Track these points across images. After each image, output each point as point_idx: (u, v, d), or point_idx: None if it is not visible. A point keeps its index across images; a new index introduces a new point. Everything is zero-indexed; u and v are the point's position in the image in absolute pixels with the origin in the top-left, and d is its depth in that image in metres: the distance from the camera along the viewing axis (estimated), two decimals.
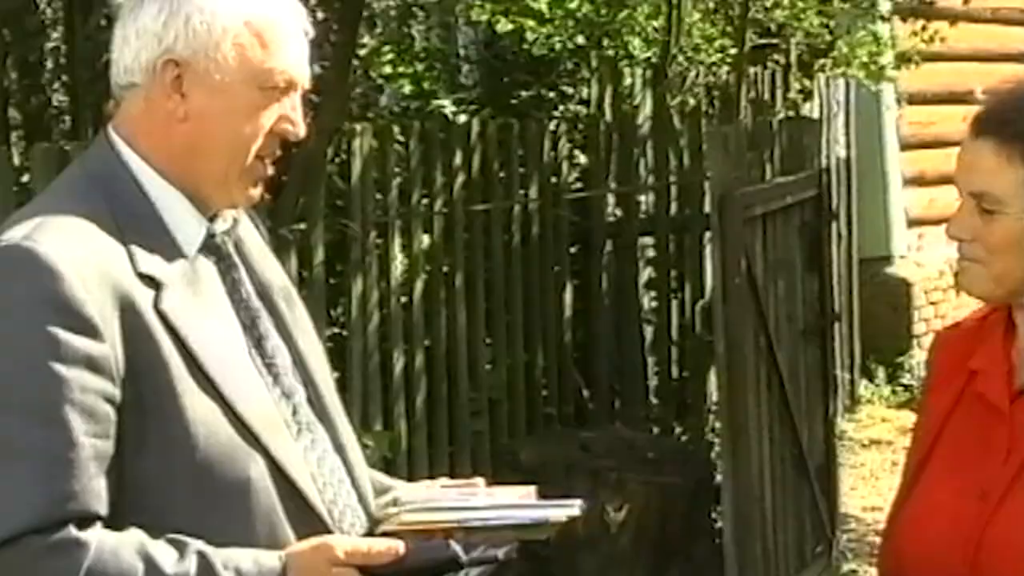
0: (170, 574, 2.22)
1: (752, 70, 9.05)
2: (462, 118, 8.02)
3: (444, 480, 2.67)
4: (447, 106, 8.39)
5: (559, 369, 7.56)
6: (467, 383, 6.95)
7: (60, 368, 2.21)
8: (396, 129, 7.18)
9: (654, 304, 8.09)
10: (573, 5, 8.46)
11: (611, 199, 8.02)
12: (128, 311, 2.27)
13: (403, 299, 6.77)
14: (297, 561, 2.30)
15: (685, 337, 8.15)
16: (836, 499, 7.26)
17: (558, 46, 8.49)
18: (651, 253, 8.10)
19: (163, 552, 2.24)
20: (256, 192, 2.46)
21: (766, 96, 9.21)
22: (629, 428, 7.53)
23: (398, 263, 6.72)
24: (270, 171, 2.45)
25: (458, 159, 7.03)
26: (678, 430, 7.98)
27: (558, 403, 7.56)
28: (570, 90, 8.49)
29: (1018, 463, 2.45)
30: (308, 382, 2.49)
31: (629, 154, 8.04)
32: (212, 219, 2.43)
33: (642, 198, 8.12)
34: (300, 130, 2.43)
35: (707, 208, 7.25)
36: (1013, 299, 2.50)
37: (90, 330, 2.23)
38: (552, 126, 7.80)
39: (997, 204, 2.44)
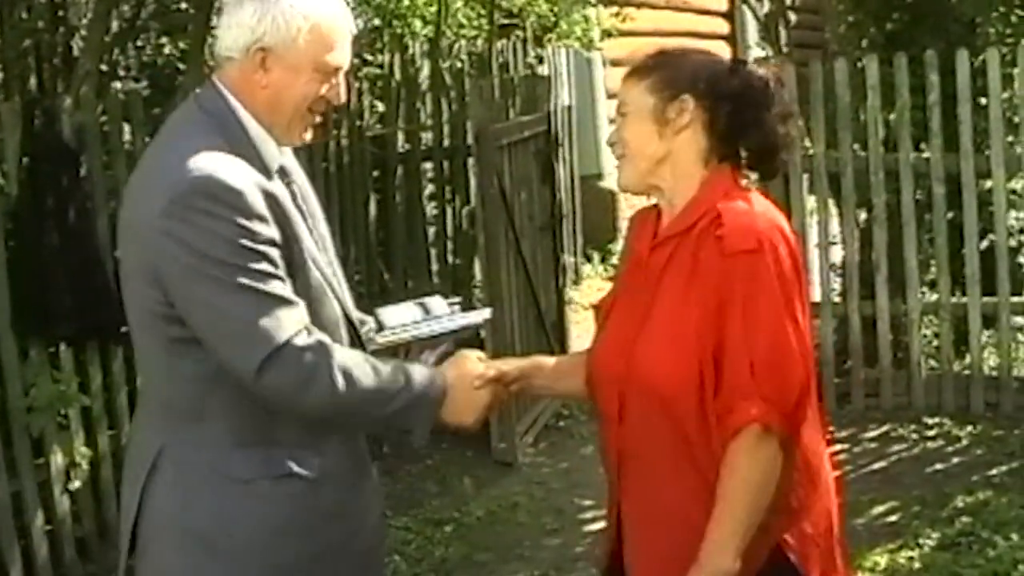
0: (380, 364, 2.49)
1: (500, 42, 9.01)
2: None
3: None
4: None
5: (367, 260, 7.54)
6: None
7: (259, 245, 2.38)
8: None
9: (434, 211, 8.05)
10: None
11: (401, 136, 7.94)
12: (272, 207, 2.42)
13: None
14: (448, 367, 2.64)
15: (457, 234, 8.13)
16: (566, 346, 7.30)
17: (360, 25, 8.34)
18: (431, 174, 8.05)
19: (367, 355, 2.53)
20: (308, 135, 2.58)
21: (510, 60, 9.14)
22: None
23: None
24: (319, 120, 2.57)
25: None
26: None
27: (367, 284, 7.53)
28: (369, 58, 8.34)
29: (651, 294, 2.48)
30: (329, 259, 2.63)
31: (413, 103, 7.98)
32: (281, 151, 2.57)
33: (423, 135, 8.04)
34: (342, 97, 2.56)
35: (470, 140, 7.18)
36: (651, 190, 2.56)
37: (262, 219, 2.40)
38: (357, 84, 7.65)
39: (625, 107, 2.53)
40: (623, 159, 2.53)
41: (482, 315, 2.84)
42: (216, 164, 2.40)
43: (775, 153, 2.53)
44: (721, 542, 2.35)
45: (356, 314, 2.66)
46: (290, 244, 2.45)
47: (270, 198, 2.43)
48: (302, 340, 2.39)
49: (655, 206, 2.61)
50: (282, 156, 2.57)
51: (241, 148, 2.46)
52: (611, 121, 10.25)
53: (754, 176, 2.60)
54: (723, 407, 2.38)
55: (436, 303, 2.82)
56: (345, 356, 2.45)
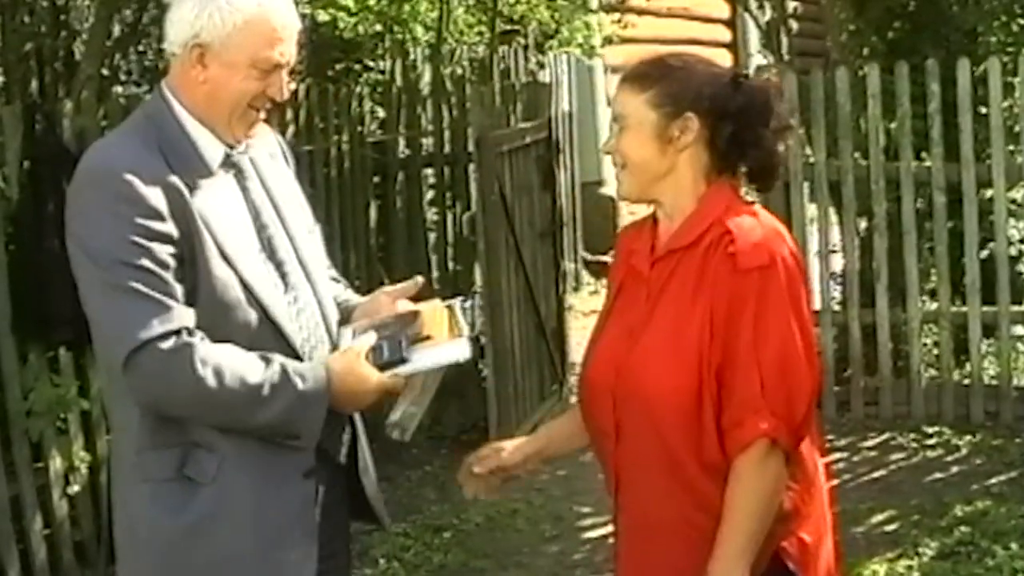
0: (261, 367, 2.42)
1: (501, 48, 9.02)
2: (292, 85, 7.83)
3: (387, 288, 2.87)
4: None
5: (367, 265, 7.48)
6: None
7: (144, 240, 2.37)
8: None
9: (435, 217, 8.02)
10: (372, 2, 8.33)
11: (402, 141, 7.91)
12: (175, 203, 2.40)
13: None
14: (334, 363, 2.51)
15: (457, 240, 8.11)
16: (565, 352, 7.30)
17: (362, 31, 8.36)
18: (432, 180, 8.03)
19: (252, 356, 2.43)
20: (252, 131, 2.56)
21: (512, 66, 9.15)
22: None
23: None
24: (263, 116, 2.56)
25: (290, 114, 6.86)
26: None
27: (367, 289, 7.42)
28: (371, 63, 8.35)
29: (651, 308, 2.47)
30: (298, 257, 2.60)
31: (414, 109, 7.93)
32: (232, 146, 2.54)
33: (424, 140, 8.02)
34: (284, 94, 2.54)
35: (471, 147, 7.18)
36: (651, 199, 2.54)
37: (157, 215, 2.38)
38: (358, 89, 7.68)
39: (624, 120, 2.48)
40: (623, 170, 2.50)
41: (458, 352, 2.62)
42: (116, 157, 2.42)
43: (774, 171, 2.52)
44: (732, 556, 2.34)
45: (297, 337, 2.54)
46: (192, 241, 2.41)
47: (175, 192, 2.40)
48: (169, 341, 2.36)
49: (646, 219, 2.60)
50: (243, 152, 2.55)
51: (175, 145, 2.46)
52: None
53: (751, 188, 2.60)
54: (731, 421, 2.37)
55: (395, 331, 2.62)
56: (215, 356, 2.39)
